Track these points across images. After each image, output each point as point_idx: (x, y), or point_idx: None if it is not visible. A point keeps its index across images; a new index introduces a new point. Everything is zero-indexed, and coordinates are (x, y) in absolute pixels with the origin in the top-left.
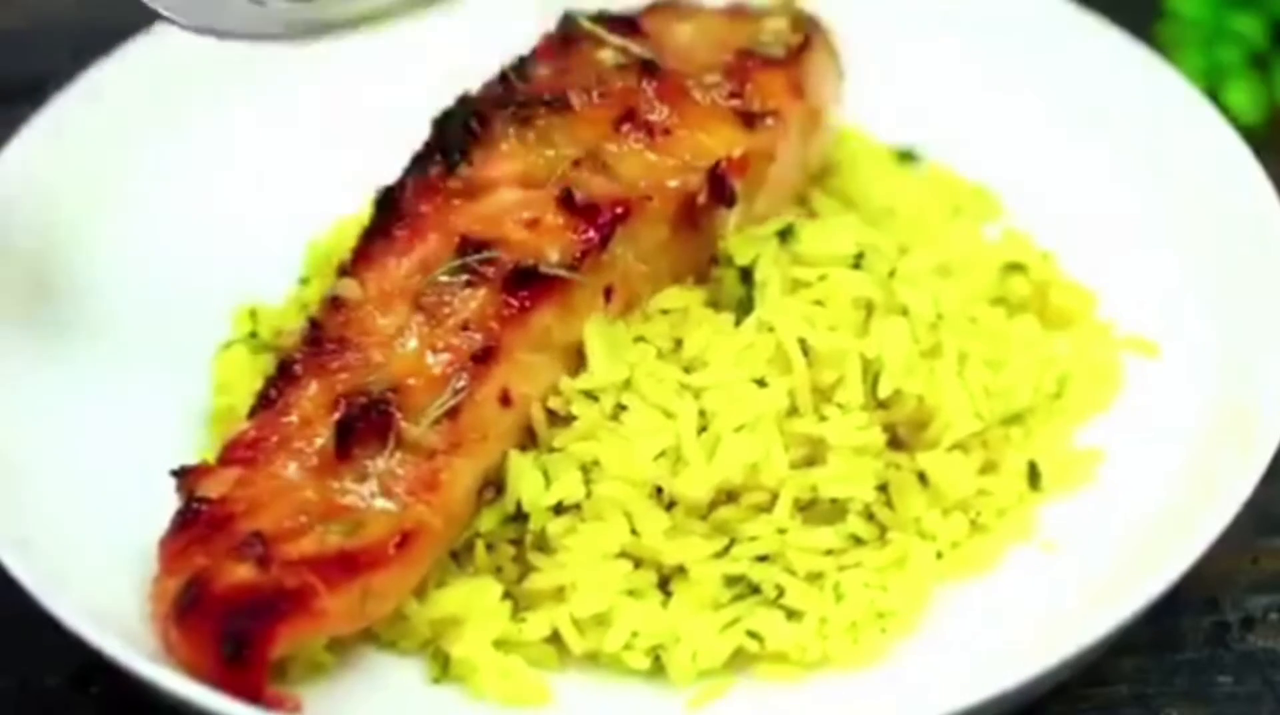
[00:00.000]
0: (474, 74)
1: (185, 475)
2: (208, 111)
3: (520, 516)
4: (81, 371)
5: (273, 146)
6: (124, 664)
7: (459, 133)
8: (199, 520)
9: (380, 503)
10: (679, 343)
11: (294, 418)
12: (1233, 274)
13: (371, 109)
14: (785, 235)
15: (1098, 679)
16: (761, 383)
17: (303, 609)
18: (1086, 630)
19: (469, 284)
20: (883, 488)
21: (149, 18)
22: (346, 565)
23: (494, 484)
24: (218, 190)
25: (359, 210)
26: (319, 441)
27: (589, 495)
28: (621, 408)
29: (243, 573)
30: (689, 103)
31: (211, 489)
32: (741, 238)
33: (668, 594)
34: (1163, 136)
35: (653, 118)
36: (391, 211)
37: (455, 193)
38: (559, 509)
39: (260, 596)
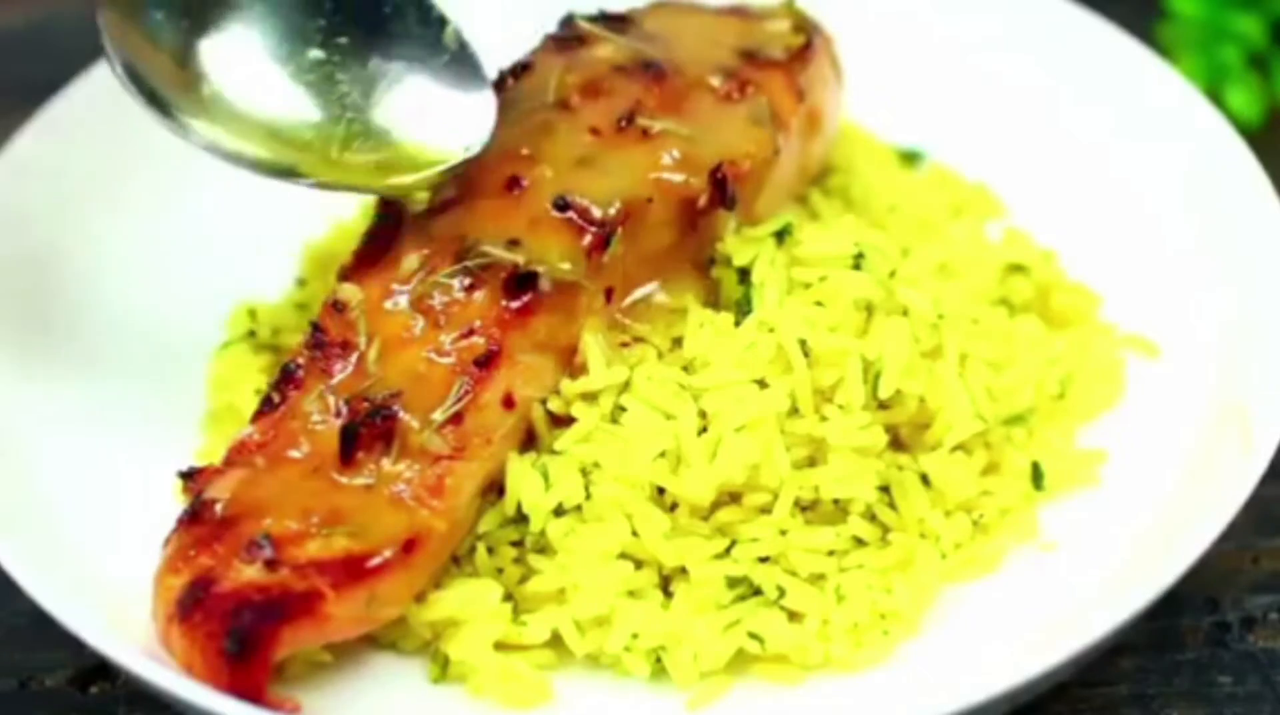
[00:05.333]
0: None
1: (193, 476)
2: None
3: (521, 518)
4: (81, 371)
5: None
6: (124, 664)
7: None
8: (205, 521)
9: (386, 507)
10: (679, 343)
11: (298, 421)
12: (1233, 274)
13: None
14: (782, 236)
15: (1098, 679)
16: (762, 383)
17: (309, 612)
18: (1086, 630)
19: (470, 287)
20: (885, 489)
21: None
22: (353, 569)
23: (495, 486)
24: (217, 191)
25: (356, 211)
26: (324, 445)
27: (589, 497)
28: (621, 409)
29: (250, 574)
30: (689, 104)
31: (218, 490)
32: (739, 238)
33: (669, 595)
34: (1163, 136)
35: (653, 119)
36: (392, 214)
37: (455, 194)
38: (559, 511)
39: (267, 597)
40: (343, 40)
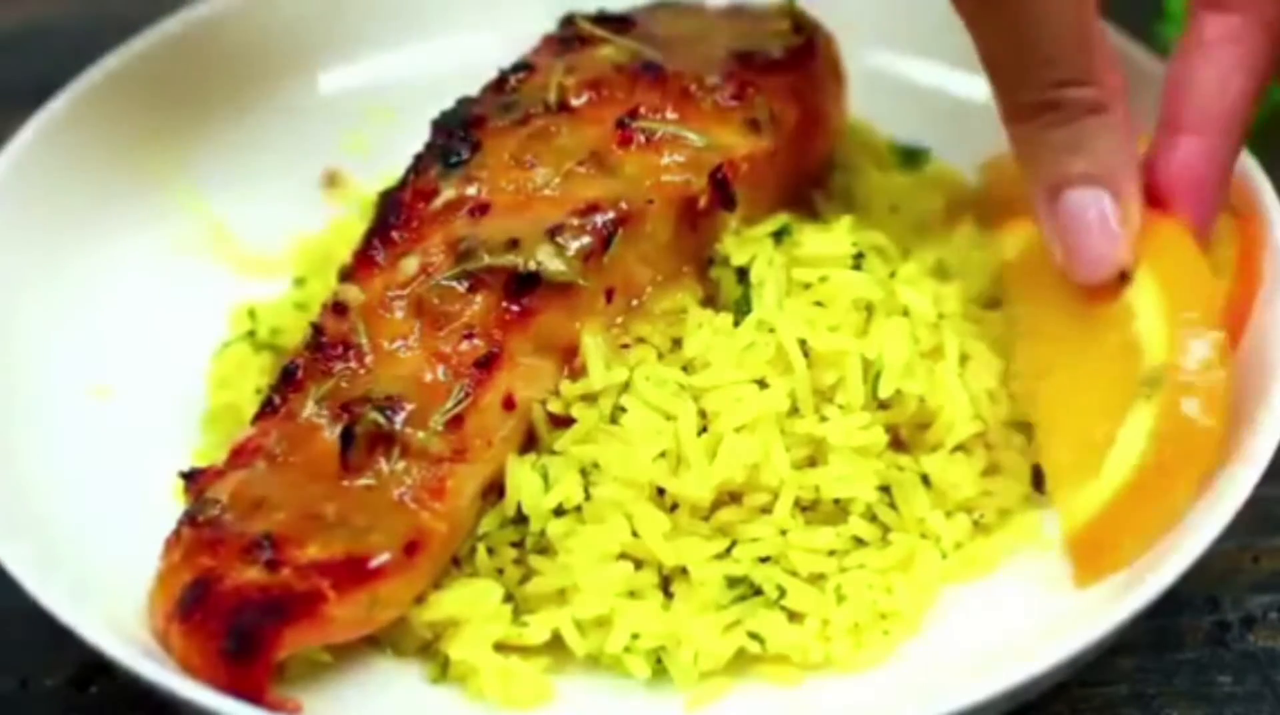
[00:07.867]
0: (474, 75)
1: (194, 477)
2: (206, 112)
3: (521, 519)
4: (80, 370)
5: (270, 147)
6: (124, 664)
7: (459, 135)
8: (206, 521)
9: (387, 509)
10: (678, 343)
11: (298, 423)
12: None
13: (370, 110)
14: (781, 236)
15: (1098, 679)
16: (762, 383)
17: (311, 613)
18: (1086, 630)
19: (470, 288)
20: (885, 489)
21: (149, 18)
22: (354, 571)
23: (495, 487)
24: (217, 189)
25: (356, 211)
26: (324, 447)
27: (589, 497)
28: (621, 410)
29: (252, 574)
30: (690, 104)
31: (220, 491)
32: (738, 238)
33: (669, 595)
34: None
35: (653, 119)
36: (392, 214)
37: (456, 195)
38: (559, 511)
39: (269, 598)
40: None
